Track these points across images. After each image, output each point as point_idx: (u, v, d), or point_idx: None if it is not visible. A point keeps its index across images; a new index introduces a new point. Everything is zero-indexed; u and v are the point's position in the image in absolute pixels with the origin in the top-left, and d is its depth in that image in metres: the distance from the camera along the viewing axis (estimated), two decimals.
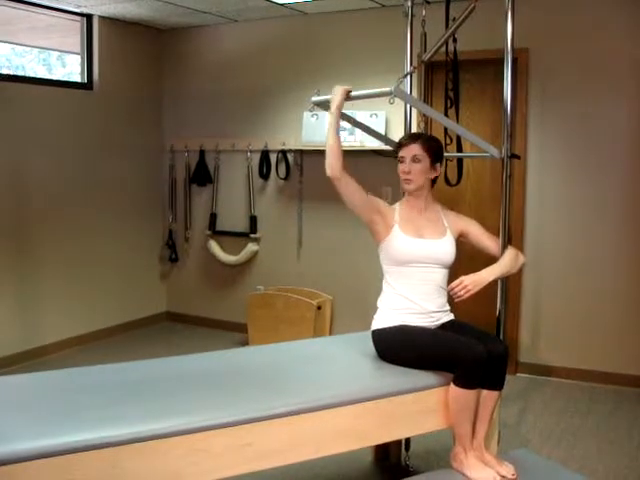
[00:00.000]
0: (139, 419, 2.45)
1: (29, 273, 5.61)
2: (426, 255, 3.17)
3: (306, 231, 6.19)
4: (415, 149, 3.20)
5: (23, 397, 2.72)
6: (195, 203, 6.79)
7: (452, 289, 3.07)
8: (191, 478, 2.47)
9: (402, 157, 3.23)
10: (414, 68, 3.76)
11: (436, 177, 3.29)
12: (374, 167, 5.40)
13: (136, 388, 2.80)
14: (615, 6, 4.92)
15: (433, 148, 3.22)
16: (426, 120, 4.35)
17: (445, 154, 3.85)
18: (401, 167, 3.23)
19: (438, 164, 3.24)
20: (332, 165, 3.13)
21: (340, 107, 3.21)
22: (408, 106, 3.87)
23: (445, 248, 3.21)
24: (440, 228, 3.26)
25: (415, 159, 3.19)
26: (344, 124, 5.62)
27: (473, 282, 3.04)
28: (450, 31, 3.59)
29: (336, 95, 3.22)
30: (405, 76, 3.63)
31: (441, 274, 3.22)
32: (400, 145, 3.26)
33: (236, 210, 6.55)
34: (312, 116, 5.82)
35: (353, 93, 3.25)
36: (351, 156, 5.59)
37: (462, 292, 3.03)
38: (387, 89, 3.04)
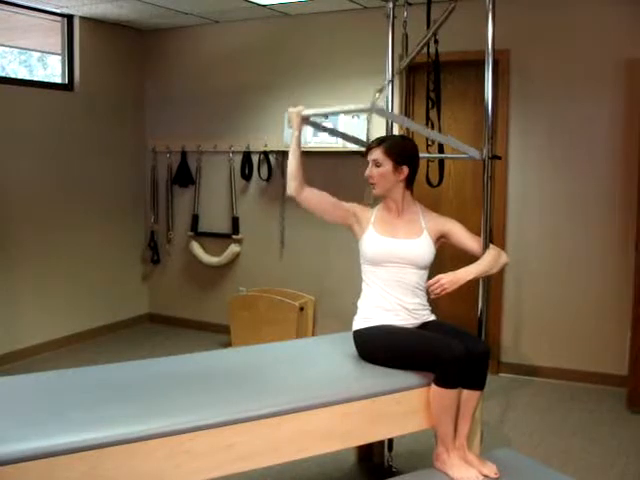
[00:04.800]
0: (121, 421, 2.44)
1: (9, 275, 5.57)
2: (398, 255, 3.19)
3: (288, 232, 6.19)
4: (375, 153, 3.24)
5: (3, 400, 2.69)
6: (177, 204, 6.77)
7: (429, 286, 3.08)
8: None
9: (368, 161, 3.28)
10: (392, 78, 3.77)
11: (411, 178, 3.29)
12: (356, 168, 5.38)
13: (118, 390, 2.79)
14: (595, 8, 4.96)
15: (395, 151, 3.21)
16: None
17: (426, 155, 3.87)
18: (366, 172, 3.28)
19: (404, 166, 3.21)
20: (289, 186, 3.30)
21: (299, 128, 3.32)
22: (389, 106, 3.88)
23: (419, 249, 3.21)
24: (416, 229, 3.26)
25: (376, 163, 3.23)
26: (326, 125, 5.66)
27: (450, 281, 3.05)
28: (430, 32, 3.59)
29: (292, 118, 3.34)
30: (381, 90, 3.60)
31: (416, 275, 3.22)
32: (367, 150, 3.30)
33: (218, 211, 6.54)
34: None
35: (330, 109, 3.35)
36: (333, 157, 5.68)
37: (438, 290, 3.04)
38: (365, 106, 3.04)
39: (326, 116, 5.58)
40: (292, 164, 3.28)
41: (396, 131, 4.36)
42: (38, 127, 5.76)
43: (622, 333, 4.88)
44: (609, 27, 4.93)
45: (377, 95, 3.21)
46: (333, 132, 3.86)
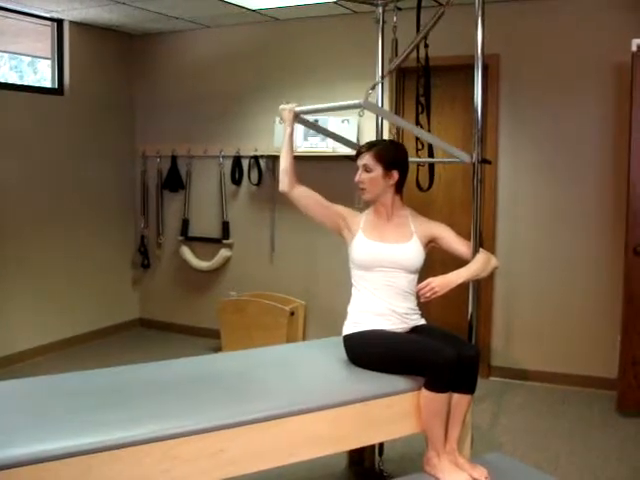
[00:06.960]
0: (110, 426, 2.43)
1: None
2: (388, 259, 3.19)
3: (279, 237, 6.19)
4: (365, 158, 3.25)
5: None
6: (167, 209, 6.76)
7: (420, 289, 3.08)
8: None
9: (358, 166, 3.28)
10: (382, 78, 3.80)
11: (401, 182, 3.29)
12: (346, 172, 5.38)
13: (107, 395, 2.77)
14: (584, 13, 4.99)
15: (385, 156, 3.22)
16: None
17: (416, 159, 3.88)
18: (355, 177, 3.28)
19: (394, 171, 3.22)
20: (282, 181, 3.36)
21: (292, 125, 3.38)
22: None
23: (408, 253, 3.21)
24: (406, 233, 3.26)
25: (366, 168, 3.23)
26: (316, 124, 5.66)
27: (440, 284, 3.05)
28: (420, 37, 3.61)
29: (284, 115, 3.39)
30: (373, 87, 3.64)
31: (406, 279, 3.22)
32: (357, 155, 3.30)
33: (208, 216, 6.53)
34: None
35: (322, 106, 3.34)
36: (323, 162, 5.68)
37: (429, 293, 3.04)
38: (356, 102, 3.06)
39: (316, 120, 5.60)
40: (284, 160, 3.33)
41: (386, 135, 4.37)
42: (28, 131, 5.74)
43: (612, 336, 4.89)
44: (597, 31, 4.95)
45: (370, 92, 3.24)
46: (324, 131, 3.88)
